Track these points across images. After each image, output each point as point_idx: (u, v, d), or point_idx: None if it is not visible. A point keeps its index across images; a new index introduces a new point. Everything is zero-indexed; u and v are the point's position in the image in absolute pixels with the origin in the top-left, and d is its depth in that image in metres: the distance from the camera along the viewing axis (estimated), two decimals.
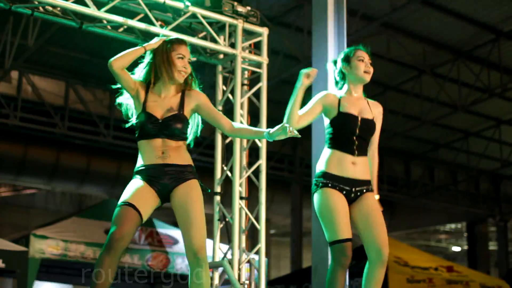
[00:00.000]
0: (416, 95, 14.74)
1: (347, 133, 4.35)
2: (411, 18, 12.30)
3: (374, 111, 4.51)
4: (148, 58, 4.06)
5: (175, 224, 20.92)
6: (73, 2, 6.76)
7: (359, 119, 4.39)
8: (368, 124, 4.42)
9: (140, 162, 3.97)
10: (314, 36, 7.73)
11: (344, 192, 4.30)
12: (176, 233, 12.36)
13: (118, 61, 3.91)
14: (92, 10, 6.81)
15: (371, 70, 4.51)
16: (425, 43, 13.15)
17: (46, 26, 10.77)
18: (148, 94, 4.01)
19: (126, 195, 3.85)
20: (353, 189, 4.32)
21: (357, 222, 4.36)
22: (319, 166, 4.38)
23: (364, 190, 4.36)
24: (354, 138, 4.36)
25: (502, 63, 13.44)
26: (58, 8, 6.89)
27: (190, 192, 3.90)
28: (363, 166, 4.38)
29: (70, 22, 7.03)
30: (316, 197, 4.33)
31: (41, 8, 6.84)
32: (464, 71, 13.89)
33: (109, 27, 7.20)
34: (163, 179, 3.90)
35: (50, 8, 6.86)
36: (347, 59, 4.54)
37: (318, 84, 7.47)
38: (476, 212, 20.22)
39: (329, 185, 4.28)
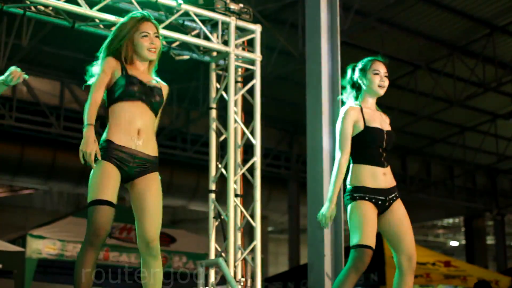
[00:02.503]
0: (411, 91, 14.74)
1: (376, 147, 4.45)
2: (406, 13, 12.32)
3: (387, 121, 4.65)
4: (113, 40, 3.99)
5: (171, 223, 20.94)
6: (65, 1, 6.73)
7: (385, 132, 4.51)
8: (392, 136, 4.57)
9: (112, 136, 3.81)
10: (307, 32, 7.73)
11: (380, 202, 4.43)
12: (172, 232, 12.34)
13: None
14: (84, 9, 6.79)
15: (386, 83, 4.59)
16: (420, 38, 13.16)
17: (40, 26, 10.77)
18: (126, 66, 3.95)
19: (103, 188, 3.73)
20: (387, 198, 4.46)
21: (388, 229, 4.48)
22: (354, 182, 4.46)
23: (395, 198, 4.50)
24: (381, 150, 4.48)
25: (496, 57, 13.46)
26: (50, 8, 6.86)
27: (150, 184, 3.87)
28: (391, 174, 4.56)
29: (62, 21, 7.01)
30: (351, 208, 4.42)
31: (33, 8, 6.81)
32: (459, 66, 13.90)
33: (101, 26, 7.17)
34: (130, 165, 3.83)
35: (42, 8, 6.84)
36: (363, 71, 4.60)
37: (312, 78, 7.48)
38: (473, 207, 20.26)
39: (366, 198, 4.40)
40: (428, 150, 18.91)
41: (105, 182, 3.76)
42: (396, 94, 15.01)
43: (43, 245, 10.87)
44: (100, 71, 3.89)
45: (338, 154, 4.46)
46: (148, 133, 3.88)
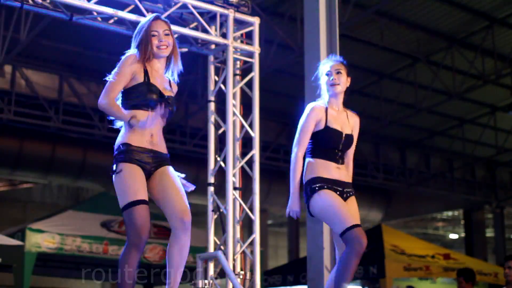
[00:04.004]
0: (410, 83, 14.74)
1: (332, 147, 4.58)
2: (405, 6, 12.29)
3: (351, 122, 4.73)
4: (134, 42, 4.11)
5: None
6: None
7: (343, 135, 4.63)
8: (349, 139, 4.68)
9: (128, 139, 3.96)
10: (305, 25, 7.72)
11: (338, 193, 4.52)
12: None
13: (103, 109, 3.96)
14: (82, 2, 6.77)
15: (339, 80, 4.67)
16: (419, 31, 13.14)
17: (38, 19, 10.74)
18: (147, 68, 4.03)
19: (135, 189, 3.86)
20: (344, 190, 4.56)
21: None
22: (310, 174, 4.56)
23: (351, 193, 4.61)
24: (337, 151, 4.61)
25: (496, 49, 13.44)
26: (48, 1, 6.86)
27: (166, 171, 4.03)
28: (346, 171, 4.66)
29: (60, 14, 6.99)
30: (314, 201, 4.49)
31: (30, 1, 6.80)
32: (458, 58, 13.89)
33: (99, 18, 7.17)
34: (149, 164, 3.98)
35: (40, 1, 6.83)
36: (320, 75, 4.75)
37: (310, 71, 7.46)
38: (473, 199, 20.25)
39: (325, 187, 4.48)
40: (427, 142, 18.90)
41: (134, 182, 3.89)
42: (395, 86, 15.02)
43: (42, 239, 10.86)
44: (119, 72, 3.97)
45: (295, 148, 4.62)
46: (159, 135, 4.07)
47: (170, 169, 4.06)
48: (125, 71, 3.95)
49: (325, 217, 4.49)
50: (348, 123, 4.70)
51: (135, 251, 3.82)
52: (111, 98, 3.91)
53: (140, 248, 3.83)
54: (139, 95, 3.96)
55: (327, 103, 4.69)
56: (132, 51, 4.07)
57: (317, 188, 4.47)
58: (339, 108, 4.72)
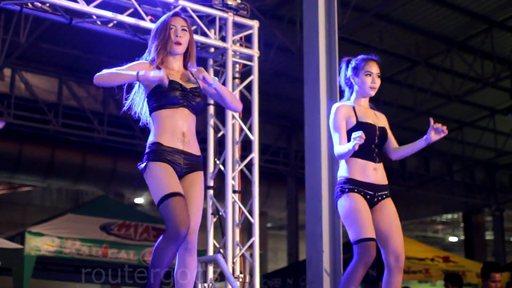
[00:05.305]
0: (409, 86, 14.75)
1: (368, 142, 4.42)
2: (404, 8, 12.30)
3: (381, 119, 4.64)
4: (151, 41, 4.10)
5: None
6: None
7: (377, 128, 4.52)
8: (384, 132, 4.57)
9: (159, 138, 3.89)
10: (305, 28, 7.70)
11: (368, 196, 4.45)
12: None
13: (102, 80, 3.88)
14: (81, 6, 6.78)
15: (378, 84, 4.59)
16: (418, 34, 13.15)
17: (37, 23, 10.75)
18: (162, 68, 3.97)
19: (167, 184, 3.78)
20: (376, 194, 4.48)
21: (376, 228, 4.46)
22: (343, 173, 4.49)
23: (385, 196, 4.52)
24: (373, 146, 4.49)
25: (495, 52, 13.46)
26: (47, 4, 6.86)
27: (196, 181, 3.96)
28: (383, 172, 4.56)
29: (60, 18, 7.01)
30: (341, 202, 4.45)
31: (30, 5, 6.81)
32: (457, 61, 13.90)
33: (98, 22, 7.18)
34: (180, 165, 3.91)
35: (39, 4, 6.84)
36: (355, 70, 4.60)
37: (309, 74, 7.47)
38: (472, 202, 20.26)
39: (355, 190, 4.42)
40: (426, 145, 18.88)
41: (168, 177, 3.82)
42: (394, 89, 15.02)
43: (42, 242, 10.85)
44: (126, 66, 3.97)
45: (335, 147, 4.45)
46: (191, 134, 3.99)
47: (201, 178, 4.00)
48: (133, 68, 3.94)
49: (345, 221, 4.44)
50: (378, 120, 4.59)
51: (172, 244, 3.70)
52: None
53: (178, 242, 3.71)
54: (161, 95, 3.92)
55: (353, 101, 4.59)
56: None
57: (346, 190, 4.41)
58: (366, 105, 4.62)
